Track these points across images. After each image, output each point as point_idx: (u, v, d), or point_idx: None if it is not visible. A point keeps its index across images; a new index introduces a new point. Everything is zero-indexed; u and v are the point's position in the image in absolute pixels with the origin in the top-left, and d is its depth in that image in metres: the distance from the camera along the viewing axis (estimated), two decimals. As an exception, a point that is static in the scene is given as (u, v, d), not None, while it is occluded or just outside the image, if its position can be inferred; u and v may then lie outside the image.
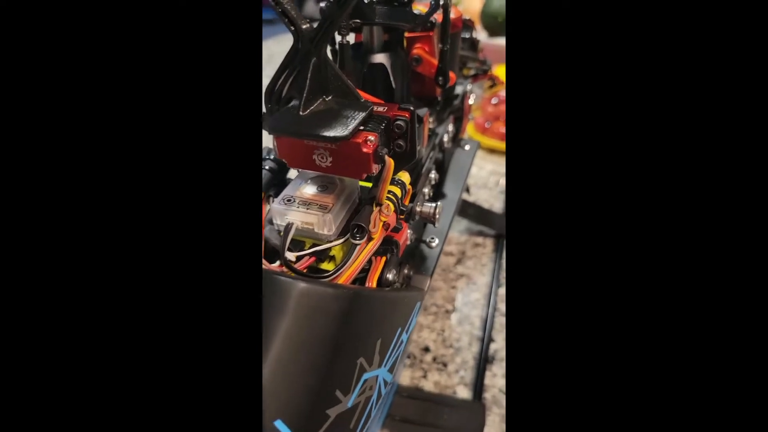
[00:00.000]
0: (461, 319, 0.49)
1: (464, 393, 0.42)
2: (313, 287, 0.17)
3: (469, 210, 0.57)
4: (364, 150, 0.19)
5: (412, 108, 0.21)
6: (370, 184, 0.24)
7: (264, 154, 0.27)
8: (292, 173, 0.27)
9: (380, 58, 0.26)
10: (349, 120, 0.19)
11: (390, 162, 0.21)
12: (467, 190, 0.61)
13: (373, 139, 0.19)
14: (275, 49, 1.22)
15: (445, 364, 0.45)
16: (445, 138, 0.35)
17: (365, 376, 0.19)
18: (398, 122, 0.21)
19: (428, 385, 0.43)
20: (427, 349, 0.46)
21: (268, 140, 0.26)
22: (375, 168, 0.20)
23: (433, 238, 0.31)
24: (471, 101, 0.46)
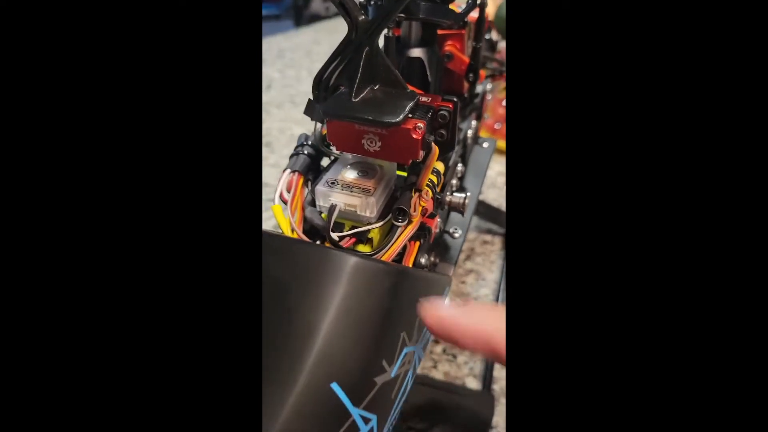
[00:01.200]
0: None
1: (473, 384, 0.43)
2: (368, 262, 0.18)
3: (479, 208, 0.58)
4: (414, 136, 0.20)
5: (455, 99, 0.22)
6: (405, 174, 0.25)
7: (302, 140, 0.28)
8: (325, 161, 0.28)
9: (418, 52, 0.28)
10: (399, 107, 0.20)
11: (435, 149, 0.22)
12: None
13: (422, 126, 0.20)
14: (285, 44, 1.23)
15: (454, 356, 0.46)
16: (469, 133, 0.36)
17: (406, 349, 0.20)
18: (442, 112, 0.22)
19: (438, 375, 0.44)
20: (437, 341, 0.47)
21: (303, 127, 0.27)
22: (421, 154, 0.21)
23: (456, 229, 0.32)
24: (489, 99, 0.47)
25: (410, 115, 0.21)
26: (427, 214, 0.24)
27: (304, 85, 1.00)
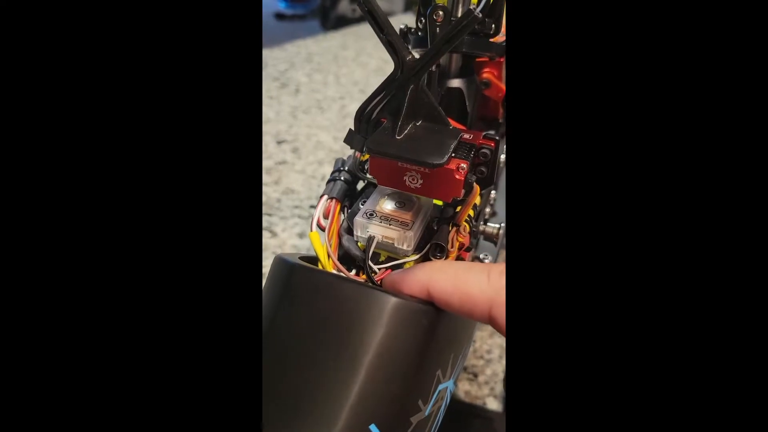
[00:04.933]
0: (493, 330, 0.50)
1: (494, 405, 0.43)
2: (407, 302, 0.19)
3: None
4: (457, 177, 0.20)
5: (497, 138, 0.22)
6: (441, 202, 0.26)
7: (339, 165, 0.28)
8: (360, 183, 0.28)
9: (457, 83, 0.28)
10: (443, 146, 0.21)
11: (476, 188, 0.22)
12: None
13: (465, 166, 0.20)
14: (314, 48, 1.24)
15: (475, 375, 0.46)
16: (502, 158, 0.36)
17: (440, 386, 0.20)
18: (484, 150, 0.22)
19: (459, 394, 0.44)
20: (458, 359, 0.48)
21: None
22: (463, 193, 0.21)
23: (486, 255, 0.32)
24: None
25: (453, 155, 0.21)
26: (464, 249, 0.24)
27: (330, 90, 1.00)
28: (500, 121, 0.34)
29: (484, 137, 0.23)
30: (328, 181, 0.27)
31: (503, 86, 0.32)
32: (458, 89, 0.27)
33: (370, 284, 0.21)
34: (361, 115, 0.23)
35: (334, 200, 0.26)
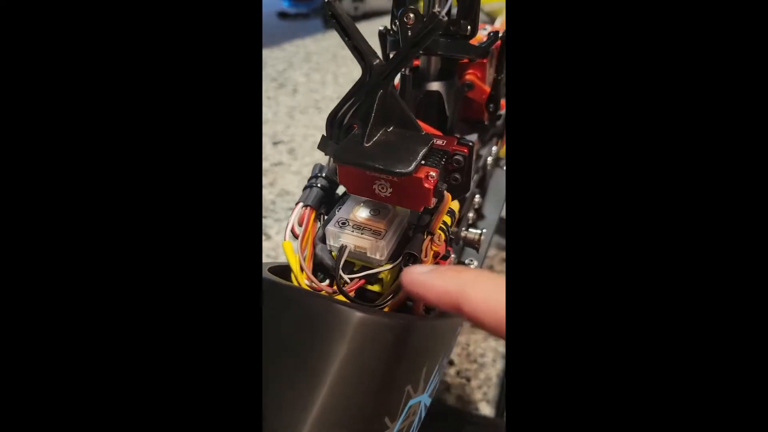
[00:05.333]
0: (487, 333, 0.50)
1: (486, 410, 0.43)
2: (372, 317, 0.18)
3: (500, 225, 0.57)
4: (426, 185, 0.20)
5: (471, 143, 0.22)
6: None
7: (316, 171, 0.28)
8: (340, 189, 0.28)
9: (436, 86, 0.27)
10: (412, 154, 0.20)
11: (448, 196, 0.21)
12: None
13: (434, 174, 0.20)
14: (312, 48, 1.23)
15: (468, 379, 0.45)
16: (489, 160, 0.35)
17: (411, 402, 0.20)
18: (457, 157, 0.21)
19: (451, 399, 0.43)
20: (451, 363, 0.47)
21: (318, 158, 0.27)
22: (434, 201, 0.21)
23: (471, 260, 0.32)
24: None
25: (423, 162, 0.20)
26: (439, 257, 0.24)
27: (328, 89, 1.00)
28: (485, 123, 0.33)
29: (458, 143, 0.22)
30: (305, 188, 0.27)
31: (487, 88, 0.31)
32: (437, 92, 0.27)
33: (336, 298, 0.21)
34: (333, 120, 0.23)
35: (308, 208, 0.25)
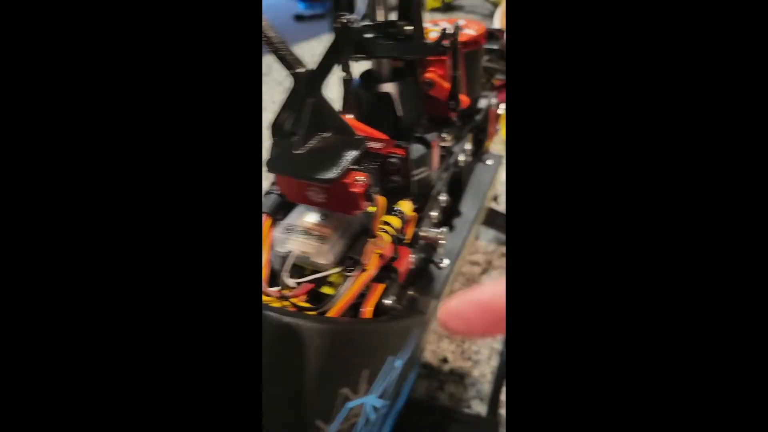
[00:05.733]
0: (482, 331, 0.49)
1: (479, 407, 0.42)
2: (294, 321, 0.18)
3: (496, 220, 0.56)
4: (353, 190, 0.20)
5: (407, 146, 0.22)
6: (375, 208, 0.25)
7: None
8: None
9: (387, 87, 0.27)
10: (341, 160, 0.20)
11: (380, 199, 0.21)
12: (495, 199, 0.60)
13: (362, 179, 0.20)
14: (318, 50, 1.24)
15: (462, 377, 0.45)
16: (461, 157, 0.35)
17: (349, 404, 0.20)
18: (392, 159, 0.22)
19: (443, 397, 0.43)
20: (445, 360, 0.47)
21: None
22: (366, 205, 0.21)
23: (442, 259, 0.32)
24: (500, 112, 0.46)
25: (354, 167, 0.20)
26: (387, 260, 0.24)
27: (331, 92, 1.00)
28: (453, 120, 0.33)
29: (396, 146, 0.22)
30: (264, 195, 0.27)
31: (448, 85, 0.31)
32: (386, 94, 0.27)
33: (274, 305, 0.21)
34: (275, 128, 0.23)
35: (264, 215, 0.26)
